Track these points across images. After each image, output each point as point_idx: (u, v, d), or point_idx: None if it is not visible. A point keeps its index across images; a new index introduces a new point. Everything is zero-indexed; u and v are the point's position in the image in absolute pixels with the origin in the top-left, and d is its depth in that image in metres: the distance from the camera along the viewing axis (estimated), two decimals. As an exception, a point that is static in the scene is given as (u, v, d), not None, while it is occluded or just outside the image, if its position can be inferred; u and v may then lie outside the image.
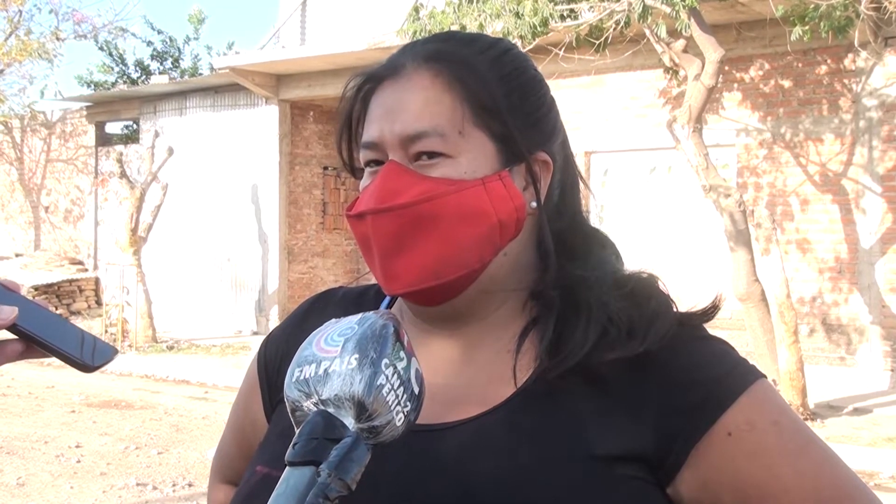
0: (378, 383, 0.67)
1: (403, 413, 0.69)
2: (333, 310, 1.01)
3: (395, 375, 0.69)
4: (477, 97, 0.84)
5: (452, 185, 0.82)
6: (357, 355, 0.68)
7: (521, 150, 0.85)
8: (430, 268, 0.82)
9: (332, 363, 0.69)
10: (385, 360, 0.68)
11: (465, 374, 0.86)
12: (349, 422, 0.67)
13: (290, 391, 0.70)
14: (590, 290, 0.84)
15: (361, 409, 0.67)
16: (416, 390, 0.71)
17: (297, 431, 0.68)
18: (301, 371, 0.70)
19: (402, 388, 0.69)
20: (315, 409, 0.68)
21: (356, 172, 0.91)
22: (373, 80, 0.88)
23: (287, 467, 0.65)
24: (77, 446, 6.39)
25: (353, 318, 0.73)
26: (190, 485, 5.52)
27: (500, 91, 0.85)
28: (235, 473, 1.05)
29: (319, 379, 0.68)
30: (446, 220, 0.82)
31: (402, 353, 0.70)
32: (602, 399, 0.81)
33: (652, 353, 0.81)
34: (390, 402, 0.68)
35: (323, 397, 0.68)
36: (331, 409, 0.68)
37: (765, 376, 0.83)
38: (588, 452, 0.79)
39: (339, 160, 0.93)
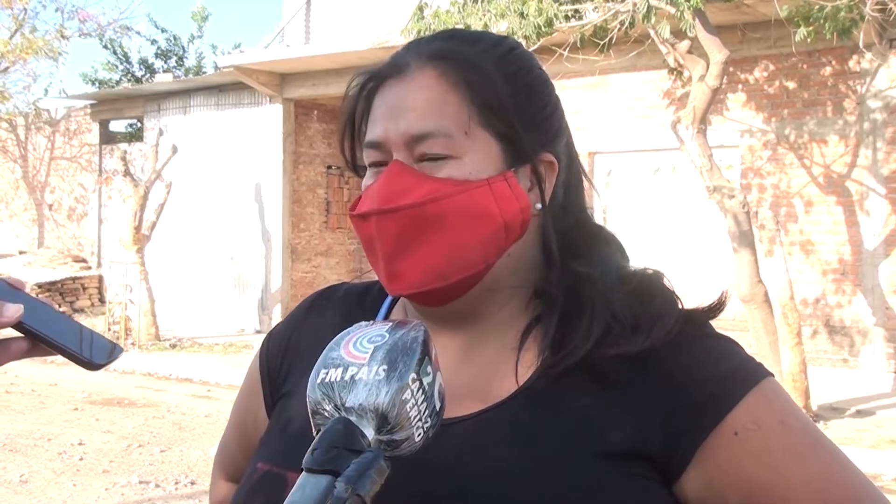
0: (403, 398, 0.66)
1: (423, 429, 0.68)
2: (336, 307, 1.01)
3: (421, 391, 0.67)
4: (483, 97, 0.83)
5: (458, 186, 0.81)
6: (385, 366, 0.67)
7: (527, 151, 0.84)
8: (435, 269, 0.82)
9: (359, 370, 0.67)
10: (412, 375, 0.67)
11: (467, 370, 0.86)
12: (369, 432, 0.66)
13: (314, 392, 0.68)
14: (593, 287, 0.84)
15: (384, 422, 0.66)
16: (438, 406, 0.69)
17: (315, 435, 0.66)
18: (327, 373, 0.68)
19: (425, 404, 0.68)
20: (336, 414, 0.67)
21: (359, 170, 0.91)
22: (376, 78, 0.87)
23: (304, 472, 0.63)
24: (80, 444, 6.40)
25: (384, 325, 0.72)
26: (192, 483, 5.52)
27: (505, 91, 0.84)
28: (237, 470, 1.05)
29: (345, 385, 0.67)
30: (451, 221, 0.81)
31: (429, 368, 0.69)
32: (606, 396, 0.80)
33: (657, 350, 0.80)
34: (412, 418, 0.66)
35: (346, 405, 0.66)
36: (352, 418, 0.66)
37: (772, 375, 0.82)
38: (591, 449, 0.78)
39: (342, 158, 0.93)
